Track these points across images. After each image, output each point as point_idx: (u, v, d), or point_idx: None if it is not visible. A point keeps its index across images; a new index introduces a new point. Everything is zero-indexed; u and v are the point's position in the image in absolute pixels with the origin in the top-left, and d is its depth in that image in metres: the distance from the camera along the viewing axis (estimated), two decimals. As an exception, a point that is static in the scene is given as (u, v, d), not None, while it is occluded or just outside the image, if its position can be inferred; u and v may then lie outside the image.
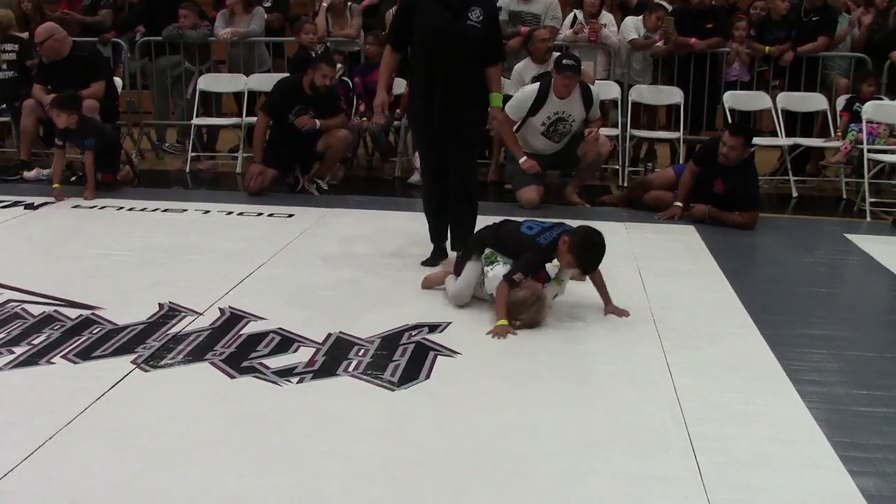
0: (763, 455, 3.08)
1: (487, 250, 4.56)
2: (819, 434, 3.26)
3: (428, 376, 3.70)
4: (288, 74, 8.36)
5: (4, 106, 9.08)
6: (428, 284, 4.90)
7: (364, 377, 3.66)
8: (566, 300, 4.58)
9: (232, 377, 3.65)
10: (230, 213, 6.81)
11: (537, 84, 7.06)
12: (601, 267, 4.48)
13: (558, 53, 7.66)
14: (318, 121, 7.48)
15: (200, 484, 2.80)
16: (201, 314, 4.39)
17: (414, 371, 3.74)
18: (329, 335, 4.12)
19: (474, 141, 5.37)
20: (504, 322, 4.21)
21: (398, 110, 8.72)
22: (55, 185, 7.27)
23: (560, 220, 4.74)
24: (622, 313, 4.47)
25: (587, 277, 4.56)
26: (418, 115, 5.22)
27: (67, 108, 7.24)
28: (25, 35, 8.90)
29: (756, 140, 7.15)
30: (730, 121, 8.34)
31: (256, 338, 4.09)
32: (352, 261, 5.44)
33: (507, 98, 6.42)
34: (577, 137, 7.17)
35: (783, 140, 8.41)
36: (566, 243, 4.34)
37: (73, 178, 7.79)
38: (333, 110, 7.67)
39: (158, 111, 9.87)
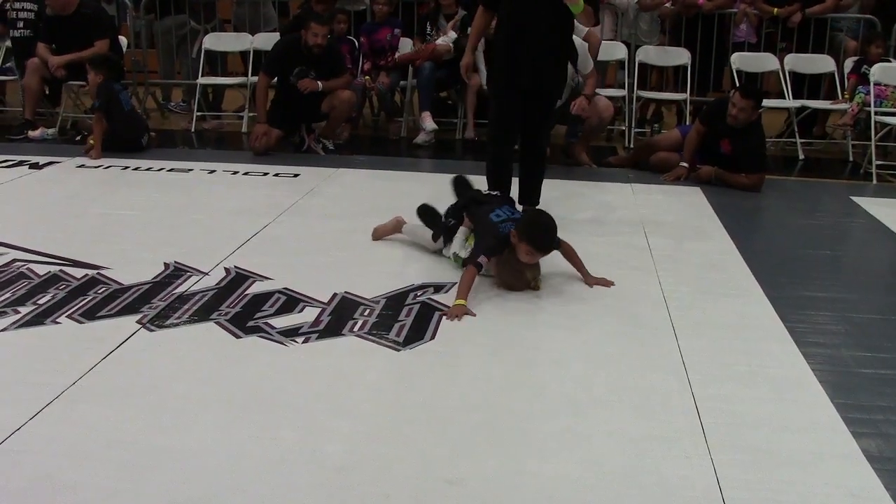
0: (766, 416, 3.08)
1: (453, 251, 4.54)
2: (822, 395, 3.27)
3: (433, 336, 3.71)
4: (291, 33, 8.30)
5: (9, 65, 9.05)
6: (377, 236, 4.98)
7: (369, 337, 3.67)
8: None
9: (237, 337, 3.66)
10: (236, 172, 6.81)
11: None
12: (573, 243, 4.40)
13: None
14: (320, 83, 7.44)
15: (206, 443, 2.82)
16: (207, 274, 4.39)
17: (419, 331, 3.74)
18: (335, 295, 4.13)
19: (555, 100, 5.37)
20: (462, 302, 3.98)
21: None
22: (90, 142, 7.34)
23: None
24: (606, 283, 4.31)
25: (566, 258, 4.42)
26: (502, 74, 5.21)
27: (94, 67, 7.38)
28: None
29: (763, 102, 7.11)
30: (737, 82, 8.31)
31: (262, 297, 4.09)
32: (357, 221, 5.43)
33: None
34: (575, 94, 7.10)
35: (790, 102, 8.38)
36: (514, 235, 4.16)
37: (78, 138, 7.79)
38: (337, 70, 7.62)
39: (164, 70, 9.83)
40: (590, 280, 4.33)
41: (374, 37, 8.55)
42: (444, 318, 3.90)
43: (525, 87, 5.12)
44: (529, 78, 5.09)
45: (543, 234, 4.21)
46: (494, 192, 4.86)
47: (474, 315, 3.94)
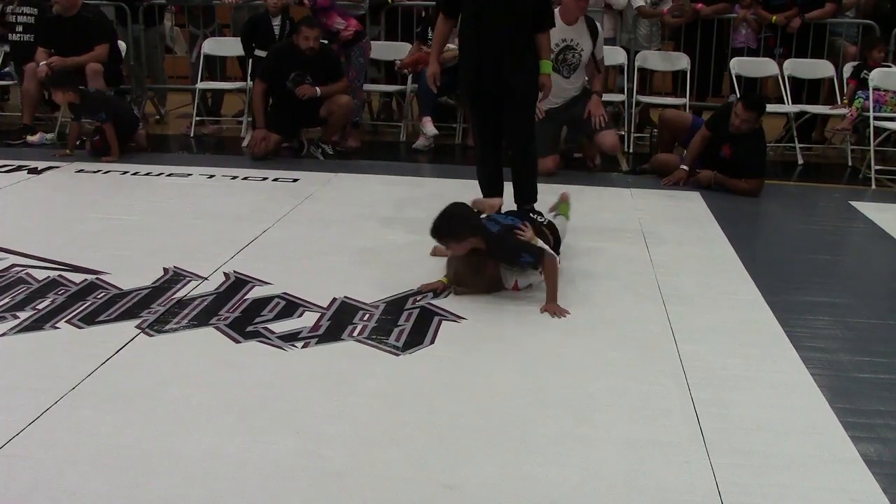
0: (765, 421, 3.09)
1: None
2: (821, 400, 3.27)
3: (433, 341, 3.71)
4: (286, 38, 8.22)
5: (8, 69, 9.04)
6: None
7: (369, 342, 3.67)
8: (575, 267, 4.58)
9: (237, 342, 3.66)
10: (235, 177, 6.81)
11: None
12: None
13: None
14: (317, 89, 7.44)
15: (205, 448, 2.82)
16: (206, 279, 4.39)
17: (419, 336, 3.75)
18: (334, 300, 4.13)
19: (528, 103, 5.27)
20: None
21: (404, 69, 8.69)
22: (68, 152, 7.43)
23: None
24: (561, 313, 4.04)
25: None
26: (468, 80, 5.20)
27: (61, 86, 7.30)
28: None
29: (762, 108, 7.12)
30: (736, 87, 8.32)
31: (261, 302, 4.09)
32: (356, 225, 5.44)
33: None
34: (584, 95, 7.09)
35: (789, 107, 8.38)
36: None
37: (78, 143, 7.78)
38: (333, 75, 7.63)
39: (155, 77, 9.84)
40: (545, 306, 4.09)
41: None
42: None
43: (487, 90, 5.10)
44: (490, 80, 5.05)
45: (437, 219, 4.21)
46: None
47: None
